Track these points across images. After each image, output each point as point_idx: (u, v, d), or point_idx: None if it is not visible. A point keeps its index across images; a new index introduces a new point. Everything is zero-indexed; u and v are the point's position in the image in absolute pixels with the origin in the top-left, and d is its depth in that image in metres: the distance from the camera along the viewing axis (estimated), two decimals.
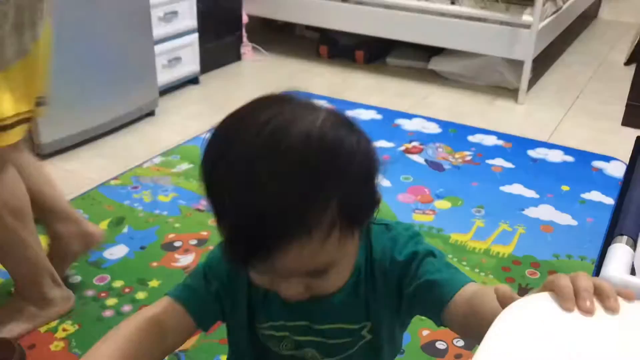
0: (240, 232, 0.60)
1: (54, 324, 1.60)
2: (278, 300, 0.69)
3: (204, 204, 2.17)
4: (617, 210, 1.36)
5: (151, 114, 2.89)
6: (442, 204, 2.20)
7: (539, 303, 0.57)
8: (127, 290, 1.74)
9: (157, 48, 2.87)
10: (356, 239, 0.67)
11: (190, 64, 3.19)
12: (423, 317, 1.65)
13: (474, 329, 0.63)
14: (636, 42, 3.70)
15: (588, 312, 0.55)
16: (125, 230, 2.01)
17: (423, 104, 3.12)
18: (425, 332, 1.60)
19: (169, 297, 0.75)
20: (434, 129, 2.82)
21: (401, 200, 2.21)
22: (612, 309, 0.56)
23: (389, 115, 2.95)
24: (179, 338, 0.73)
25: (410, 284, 0.72)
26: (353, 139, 0.66)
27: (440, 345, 1.56)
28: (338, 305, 0.72)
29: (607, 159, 2.55)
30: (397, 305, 0.75)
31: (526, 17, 3.01)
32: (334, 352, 0.75)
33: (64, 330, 1.59)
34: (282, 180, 0.58)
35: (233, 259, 0.64)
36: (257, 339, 0.77)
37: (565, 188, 2.33)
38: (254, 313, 0.75)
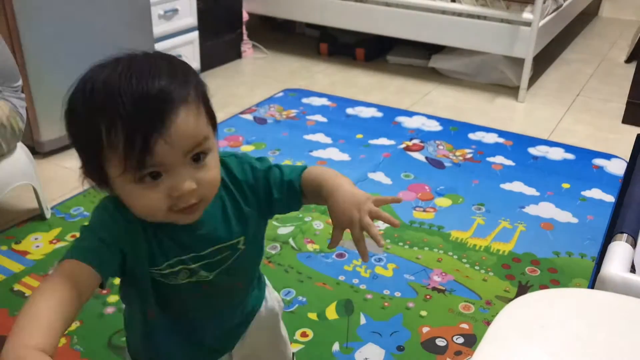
0: (138, 114, 0.72)
1: None
2: (169, 243, 0.84)
3: None
4: (618, 208, 1.36)
5: None
6: (443, 202, 2.20)
7: (538, 302, 0.57)
8: None
9: (158, 46, 2.87)
10: (215, 143, 0.82)
11: (191, 61, 3.19)
12: (424, 315, 1.65)
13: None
14: (637, 40, 3.70)
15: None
16: None
17: (424, 102, 3.12)
18: (425, 329, 1.60)
19: (71, 260, 0.78)
20: (434, 126, 2.82)
21: (402, 198, 2.21)
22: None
23: (390, 112, 2.95)
24: (88, 297, 0.77)
25: (279, 188, 0.90)
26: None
27: (440, 342, 1.57)
28: (214, 231, 0.87)
29: (607, 156, 2.56)
30: (267, 210, 0.92)
31: (527, 15, 3.00)
32: (218, 266, 0.89)
33: None
34: (155, 69, 0.76)
35: (131, 160, 0.73)
36: (155, 281, 0.88)
37: (565, 186, 2.33)
38: (152, 259, 0.85)
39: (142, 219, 0.81)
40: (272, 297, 1.09)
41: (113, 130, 0.72)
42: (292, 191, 0.90)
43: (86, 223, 0.85)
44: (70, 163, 2.42)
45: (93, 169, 0.79)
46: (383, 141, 2.65)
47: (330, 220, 0.85)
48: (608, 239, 1.11)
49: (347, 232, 0.83)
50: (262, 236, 0.97)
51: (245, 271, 0.97)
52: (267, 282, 1.09)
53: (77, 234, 0.83)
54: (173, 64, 0.80)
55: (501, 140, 2.70)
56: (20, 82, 1.89)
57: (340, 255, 1.89)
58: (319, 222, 2.04)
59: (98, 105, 0.74)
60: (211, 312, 0.96)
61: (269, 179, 0.90)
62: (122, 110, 0.72)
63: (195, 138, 0.76)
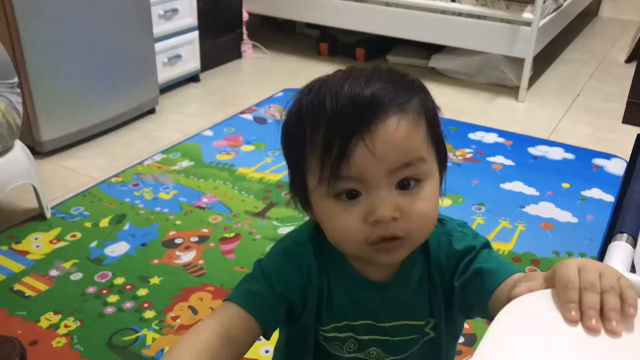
0: (342, 114, 0.64)
1: (56, 320, 1.61)
2: (342, 300, 0.71)
3: (204, 201, 2.17)
4: (618, 208, 1.36)
5: (152, 111, 2.89)
6: (443, 201, 2.20)
7: (539, 302, 0.57)
8: (128, 287, 1.74)
9: (158, 46, 2.87)
10: (437, 179, 0.70)
11: (191, 61, 3.19)
12: None
13: None
14: (637, 39, 3.70)
15: (593, 330, 0.52)
16: (126, 227, 2.01)
17: None
18: None
19: (233, 303, 0.71)
20: None
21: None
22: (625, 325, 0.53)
23: None
24: (246, 346, 0.70)
25: (462, 274, 0.72)
26: None
27: None
28: (403, 301, 0.72)
29: (607, 156, 2.56)
30: (451, 299, 0.75)
31: (527, 15, 3.00)
32: (398, 350, 0.75)
33: (66, 326, 1.59)
34: (374, 78, 0.67)
35: (327, 165, 0.65)
36: (319, 344, 0.76)
37: (565, 185, 2.33)
38: (319, 317, 0.74)
39: (323, 265, 0.72)
40: None
41: (316, 131, 0.66)
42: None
43: (262, 256, 0.75)
44: (70, 163, 2.42)
45: (297, 182, 0.72)
46: None
47: None
48: (608, 239, 1.11)
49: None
50: (456, 332, 0.80)
51: None
52: None
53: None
54: (398, 73, 0.71)
55: (501, 140, 2.70)
56: (16, 79, 1.89)
57: None
58: None
59: (308, 106, 0.68)
60: None
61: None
62: (329, 110, 0.65)
63: (405, 154, 0.65)
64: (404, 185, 0.66)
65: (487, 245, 0.74)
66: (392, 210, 0.64)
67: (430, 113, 0.69)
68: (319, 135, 0.65)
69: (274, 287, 0.71)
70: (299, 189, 0.72)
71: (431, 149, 0.68)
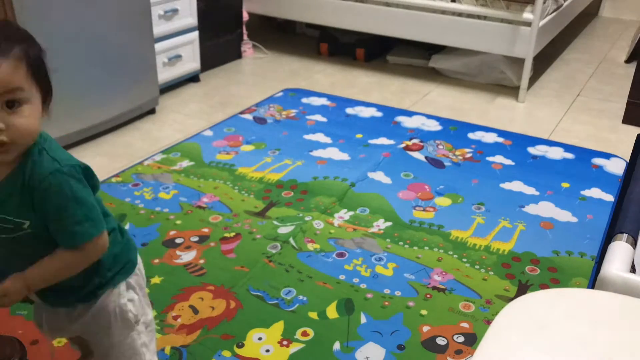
0: None
1: None
2: None
3: (205, 201, 2.17)
4: (618, 208, 1.36)
5: (152, 111, 2.89)
6: (443, 201, 2.21)
7: (538, 302, 0.57)
8: None
9: (158, 46, 2.88)
10: (38, 103, 0.96)
11: (191, 61, 3.19)
12: (424, 314, 1.65)
13: None
14: (637, 40, 3.70)
15: None
16: (126, 227, 2.01)
17: (423, 102, 3.12)
18: (425, 328, 1.60)
19: None
20: (434, 126, 2.82)
21: (402, 197, 2.22)
22: None
23: (390, 112, 2.96)
24: None
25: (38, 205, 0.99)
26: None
27: (441, 341, 1.57)
28: (5, 198, 0.98)
29: (607, 156, 2.56)
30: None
31: (527, 15, 3.01)
32: (4, 233, 1.00)
33: None
34: None
35: None
36: None
37: (565, 185, 2.33)
38: None
39: None
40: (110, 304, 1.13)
41: None
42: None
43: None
44: None
45: None
46: (383, 141, 2.66)
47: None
48: (608, 239, 1.11)
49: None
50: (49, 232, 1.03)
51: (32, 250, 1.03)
52: (120, 291, 1.14)
53: None
54: (6, 28, 0.99)
55: (501, 139, 2.70)
56: None
57: (341, 255, 1.89)
58: (319, 222, 2.04)
59: None
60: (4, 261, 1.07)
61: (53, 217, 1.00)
62: None
63: (7, 84, 0.91)
64: (10, 106, 0.92)
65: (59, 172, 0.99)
66: None
67: (31, 57, 0.96)
68: None
69: None
70: None
71: (32, 83, 0.95)
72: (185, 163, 2.44)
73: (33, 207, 0.98)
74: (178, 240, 1.96)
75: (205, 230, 2.01)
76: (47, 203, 0.98)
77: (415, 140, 2.67)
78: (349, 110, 2.97)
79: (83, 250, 1.01)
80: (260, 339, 1.56)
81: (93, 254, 1.04)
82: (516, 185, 2.32)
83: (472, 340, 1.58)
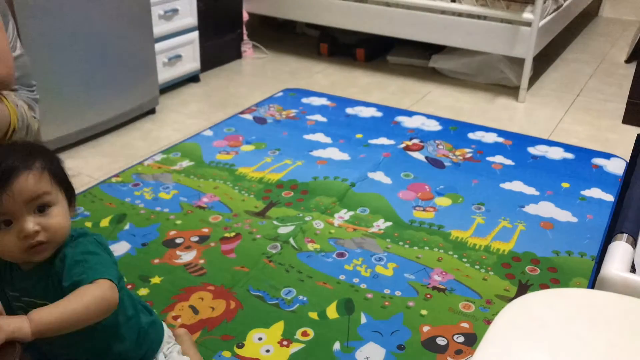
0: None
1: None
2: (17, 276, 1.13)
3: (205, 201, 2.17)
4: (618, 208, 1.36)
5: (152, 111, 2.89)
6: (443, 201, 2.21)
7: (538, 302, 0.57)
8: (129, 286, 1.74)
9: (158, 46, 2.88)
10: (64, 204, 1.11)
11: (191, 61, 3.19)
12: (424, 314, 1.65)
13: None
14: (637, 40, 3.70)
15: None
16: (126, 227, 2.02)
17: (423, 102, 3.12)
18: (425, 328, 1.60)
19: None
20: (434, 126, 2.82)
21: (402, 198, 2.22)
22: None
23: (390, 112, 2.96)
24: None
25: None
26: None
27: (441, 341, 1.57)
28: (34, 284, 1.11)
29: (607, 156, 2.56)
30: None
31: (527, 15, 3.01)
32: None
33: None
34: (10, 150, 1.09)
35: None
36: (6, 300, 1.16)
37: (565, 185, 2.33)
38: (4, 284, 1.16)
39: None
40: None
41: None
42: None
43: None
44: (70, 163, 2.41)
45: None
46: (383, 141, 2.66)
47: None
48: (608, 239, 1.11)
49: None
50: None
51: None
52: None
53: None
54: (23, 147, 1.12)
55: (501, 139, 2.70)
56: (34, 82, 1.88)
57: (341, 255, 1.89)
58: (319, 222, 2.04)
59: None
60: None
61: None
62: None
63: (34, 192, 1.05)
64: (41, 210, 1.07)
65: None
66: (34, 226, 1.05)
67: (52, 166, 1.10)
68: None
69: None
70: None
71: (56, 187, 1.10)
72: (186, 163, 2.44)
73: (60, 284, 1.08)
74: (178, 240, 1.96)
75: (205, 230, 2.01)
76: (71, 259, 1.10)
77: (415, 140, 2.67)
78: (349, 110, 2.97)
79: (103, 286, 1.05)
80: (260, 339, 1.56)
81: (110, 295, 1.06)
82: (516, 185, 2.32)
83: (472, 340, 1.58)
